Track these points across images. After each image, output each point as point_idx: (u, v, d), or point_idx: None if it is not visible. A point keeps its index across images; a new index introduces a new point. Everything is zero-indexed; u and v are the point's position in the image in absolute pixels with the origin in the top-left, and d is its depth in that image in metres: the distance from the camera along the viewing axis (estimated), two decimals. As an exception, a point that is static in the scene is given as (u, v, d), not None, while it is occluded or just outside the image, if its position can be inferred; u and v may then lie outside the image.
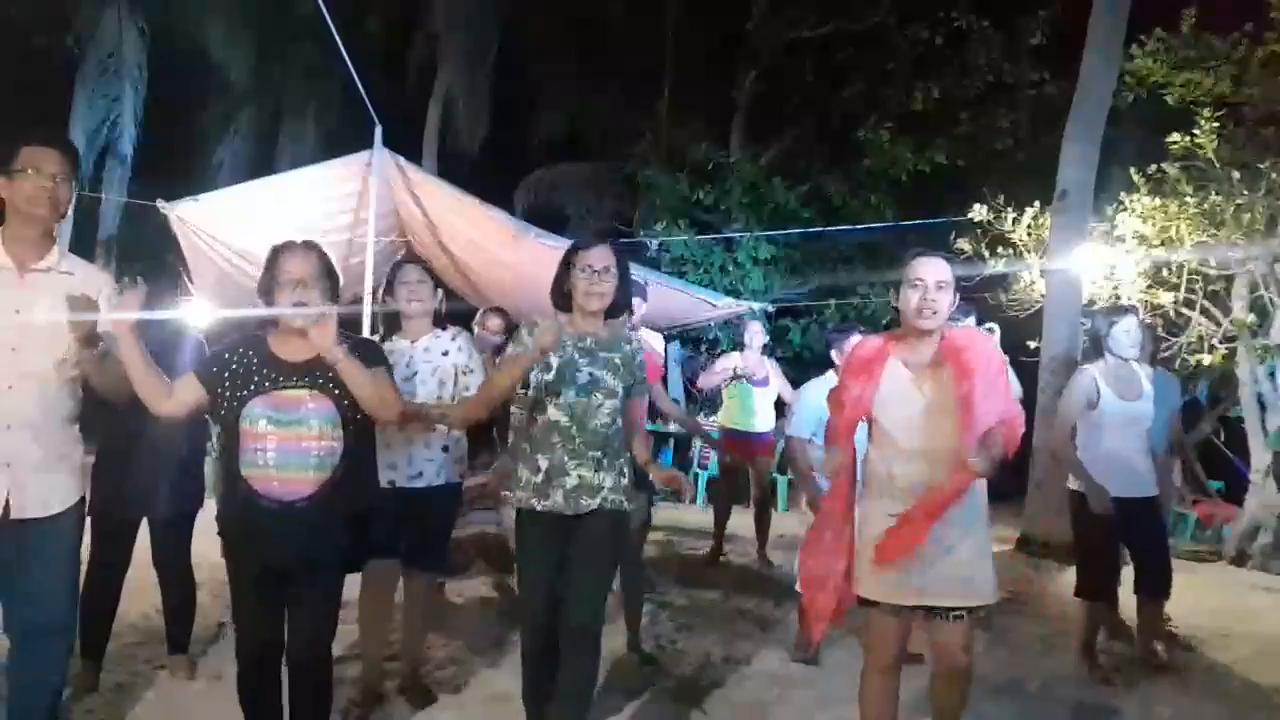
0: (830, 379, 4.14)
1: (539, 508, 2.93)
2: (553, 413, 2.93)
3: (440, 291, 3.67)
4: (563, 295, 3.05)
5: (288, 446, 2.55)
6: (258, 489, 2.55)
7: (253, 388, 2.58)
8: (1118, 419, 4.16)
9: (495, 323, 5.29)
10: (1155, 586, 4.32)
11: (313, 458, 2.56)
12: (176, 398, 2.61)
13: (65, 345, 2.58)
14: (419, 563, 3.63)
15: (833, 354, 4.38)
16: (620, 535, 3.05)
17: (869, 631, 2.89)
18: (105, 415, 3.75)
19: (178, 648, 3.91)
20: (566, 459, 2.91)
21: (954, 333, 2.85)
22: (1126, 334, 4.23)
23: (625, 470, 3.03)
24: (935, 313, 2.75)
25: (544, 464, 2.92)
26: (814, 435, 4.10)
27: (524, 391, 3.02)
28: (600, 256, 2.96)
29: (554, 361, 2.92)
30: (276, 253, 2.67)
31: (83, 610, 3.72)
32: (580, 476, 2.91)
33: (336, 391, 2.60)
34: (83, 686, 3.64)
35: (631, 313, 3.34)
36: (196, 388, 2.63)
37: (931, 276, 2.75)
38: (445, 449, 3.57)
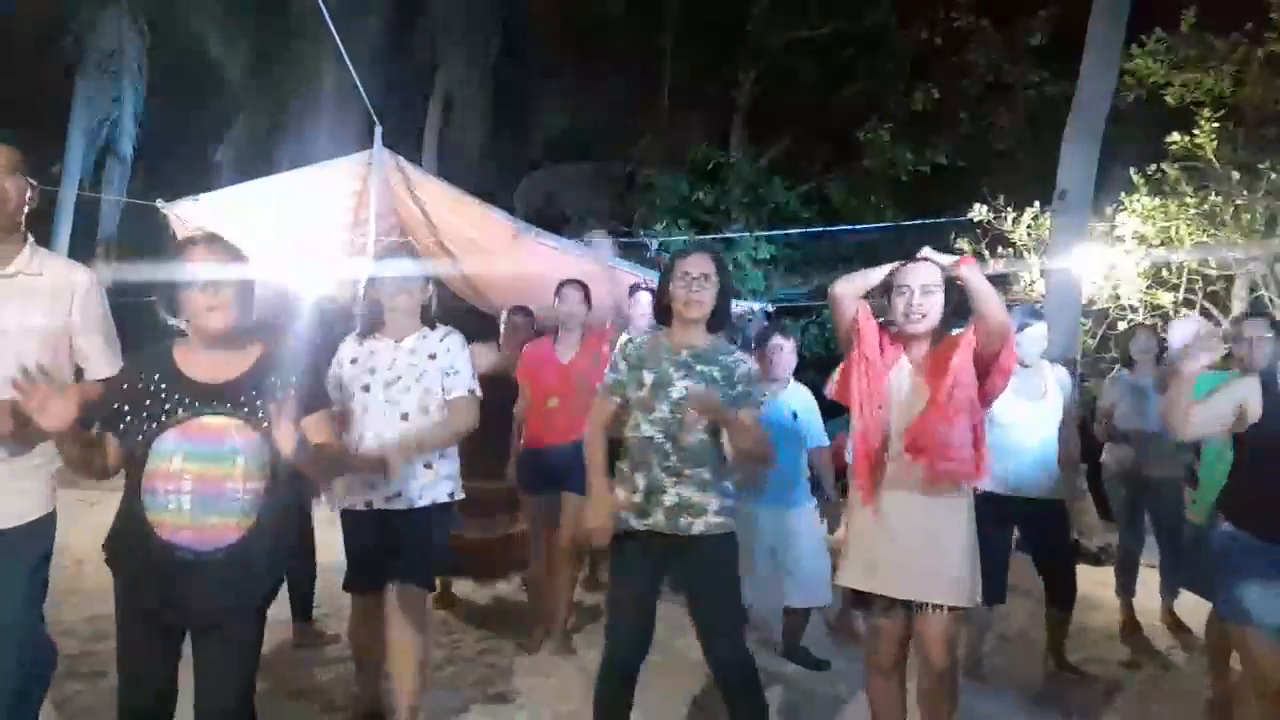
0: None
1: (639, 526, 2.83)
2: (646, 428, 2.84)
3: (431, 286, 3.25)
4: (663, 308, 2.94)
5: (208, 489, 2.13)
6: (167, 538, 2.12)
7: (164, 417, 2.15)
8: (1015, 415, 4.05)
9: (520, 319, 5.24)
10: (1060, 597, 4.23)
11: (235, 501, 2.15)
12: (114, 461, 2.22)
13: (37, 351, 2.43)
14: (401, 578, 3.14)
15: None
16: (735, 556, 2.91)
17: (867, 634, 2.93)
18: None
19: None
20: (664, 476, 2.81)
21: (950, 338, 2.85)
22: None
23: (730, 491, 2.91)
24: (923, 316, 2.79)
25: (642, 483, 2.83)
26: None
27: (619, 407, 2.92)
28: (697, 263, 2.85)
29: (648, 378, 2.85)
30: (178, 251, 2.29)
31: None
32: (679, 495, 2.80)
33: (266, 423, 2.20)
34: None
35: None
36: (111, 441, 2.20)
37: (916, 281, 2.79)
38: (428, 466, 3.16)
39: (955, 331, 2.92)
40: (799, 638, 4.35)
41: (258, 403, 2.21)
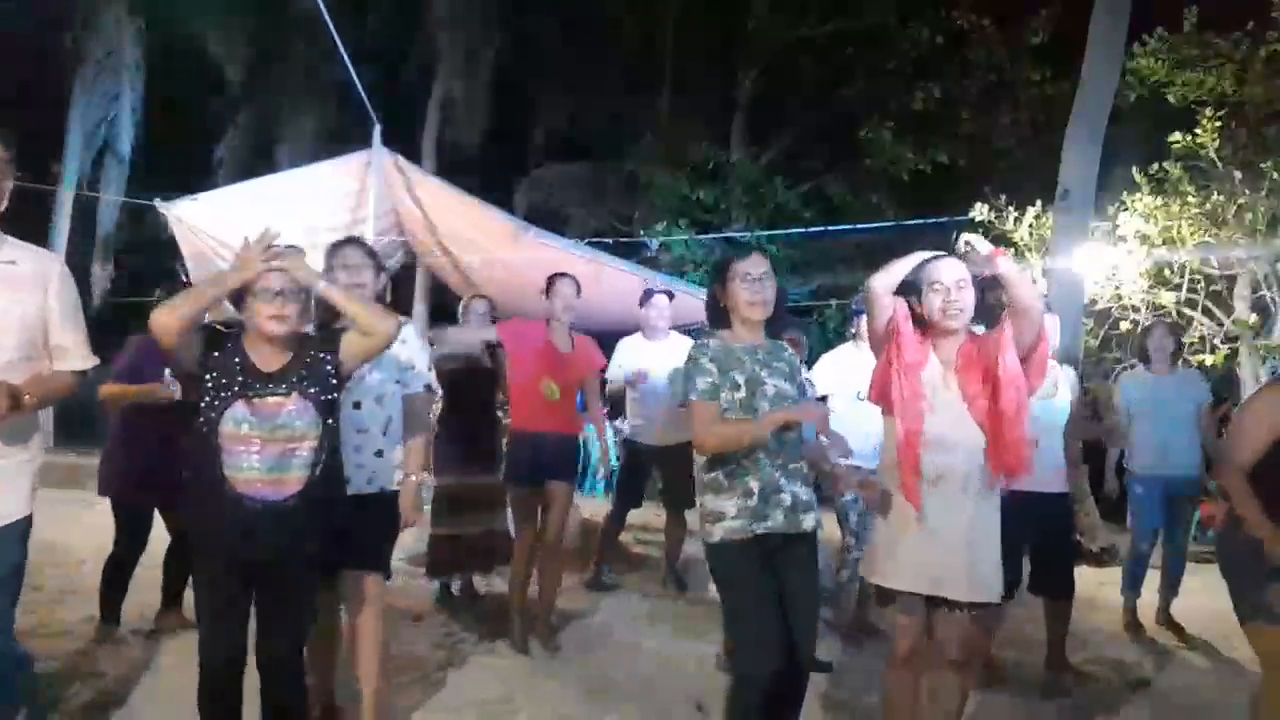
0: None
1: (759, 531, 2.75)
2: None
3: (385, 276, 3.23)
4: (719, 311, 2.95)
5: (273, 450, 2.56)
6: (243, 491, 2.54)
7: (236, 390, 2.56)
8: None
9: (481, 305, 5.18)
10: (1057, 587, 4.19)
11: (297, 458, 2.59)
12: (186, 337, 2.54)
13: (16, 338, 2.43)
14: (356, 564, 3.10)
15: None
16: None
17: (894, 628, 2.91)
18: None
19: None
20: (778, 475, 2.79)
21: (978, 339, 2.86)
22: None
23: None
24: (961, 310, 2.79)
25: (755, 485, 2.77)
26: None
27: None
28: (758, 263, 2.89)
29: (739, 379, 2.81)
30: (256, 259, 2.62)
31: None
32: (793, 494, 2.81)
33: (312, 389, 2.63)
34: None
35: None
36: (199, 344, 2.58)
37: (950, 278, 2.78)
38: (379, 454, 3.14)
39: (978, 329, 2.92)
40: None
41: (305, 373, 2.62)
